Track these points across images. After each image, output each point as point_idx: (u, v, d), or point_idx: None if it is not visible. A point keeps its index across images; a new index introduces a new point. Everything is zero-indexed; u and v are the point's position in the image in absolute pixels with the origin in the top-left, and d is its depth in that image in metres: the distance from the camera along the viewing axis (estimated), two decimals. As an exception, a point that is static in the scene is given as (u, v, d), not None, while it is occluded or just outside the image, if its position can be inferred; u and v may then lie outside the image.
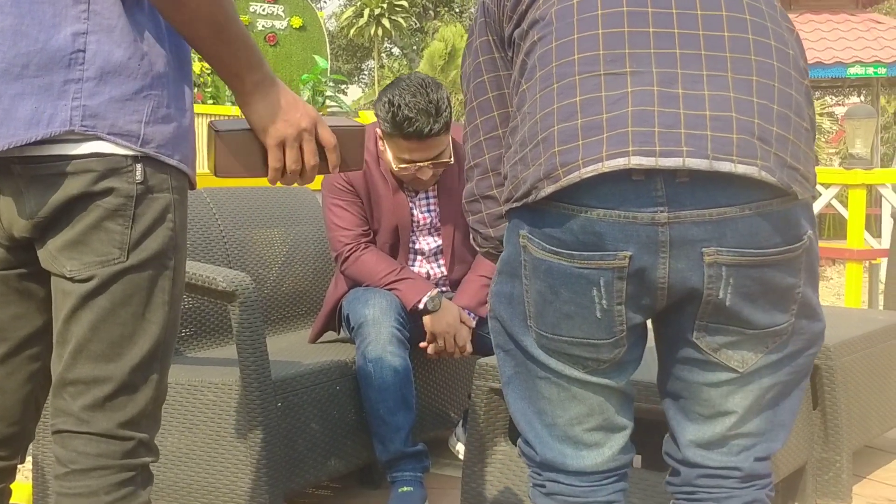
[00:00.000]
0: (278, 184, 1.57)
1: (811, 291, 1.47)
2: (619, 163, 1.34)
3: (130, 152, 1.36)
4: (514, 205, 1.46)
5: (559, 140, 1.39)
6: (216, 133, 1.49)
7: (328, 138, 1.52)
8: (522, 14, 1.55)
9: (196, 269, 2.48)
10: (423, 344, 2.89)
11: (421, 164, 2.82)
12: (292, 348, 2.98)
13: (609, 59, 1.41)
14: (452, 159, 2.88)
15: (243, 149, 1.49)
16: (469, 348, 2.90)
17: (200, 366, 2.74)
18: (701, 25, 1.42)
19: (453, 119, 2.82)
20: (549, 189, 1.38)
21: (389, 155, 2.86)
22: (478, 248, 1.80)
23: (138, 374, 1.41)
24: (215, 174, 1.50)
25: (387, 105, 2.77)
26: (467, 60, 1.72)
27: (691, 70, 1.39)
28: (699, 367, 1.49)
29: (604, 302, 1.42)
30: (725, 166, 1.33)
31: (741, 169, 1.34)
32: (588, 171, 1.35)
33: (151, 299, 1.41)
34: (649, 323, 1.53)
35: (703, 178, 1.35)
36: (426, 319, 2.86)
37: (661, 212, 1.36)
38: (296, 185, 1.57)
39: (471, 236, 1.80)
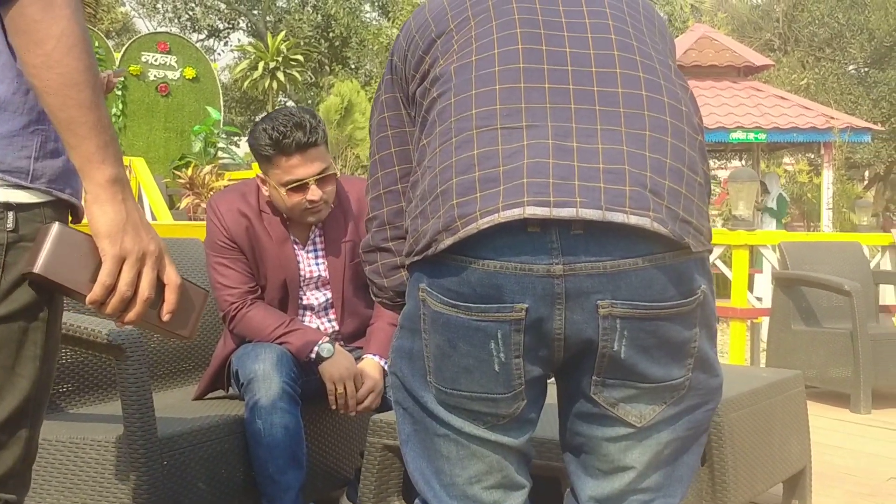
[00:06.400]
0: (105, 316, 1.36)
1: (708, 346, 1.49)
2: (515, 213, 1.35)
3: (27, 198, 1.31)
4: (415, 258, 1.46)
5: (457, 192, 1.40)
6: (53, 225, 1.31)
7: (173, 276, 1.37)
8: (425, 73, 1.57)
9: (79, 322, 2.39)
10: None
11: (308, 180, 2.79)
12: (179, 405, 2.90)
13: (505, 114, 1.43)
14: (337, 184, 2.90)
15: (76, 254, 1.30)
16: (373, 401, 2.82)
17: (82, 422, 2.64)
18: (595, 82, 1.45)
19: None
20: (447, 241, 1.39)
21: (276, 188, 2.82)
22: (374, 299, 1.81)
23: (6, 432, 1.34)
24: (32, 270, 1.28)
25: (261, 130, 2.79)
26: (374, 114, 1.73)
27: (585, 124, 1.42)
28: (598, 421, 1.50)
29: (501, 355, 1.42)
30: (618, 217, 1.35)
31: (633, 220, 1.36)
32: (485, 223, 1.36)
33: (22, 352, 1.34)
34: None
35: (597, 231, 1.37)
36: (322, 368, 2.80)
37: (557, 264, 1.37)
38: (115, 327, 1.33)
39: (369, 287, 1.81)
